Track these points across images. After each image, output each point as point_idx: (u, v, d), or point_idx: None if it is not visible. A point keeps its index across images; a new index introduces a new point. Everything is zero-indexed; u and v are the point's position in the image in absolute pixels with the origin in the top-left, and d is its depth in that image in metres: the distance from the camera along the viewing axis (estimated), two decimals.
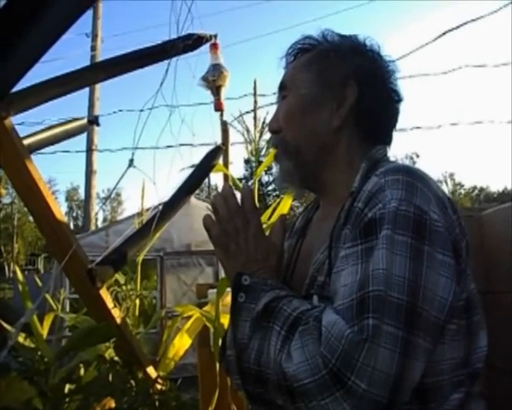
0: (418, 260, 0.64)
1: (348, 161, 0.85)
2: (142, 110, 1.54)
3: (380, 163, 0.80)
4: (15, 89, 1.54)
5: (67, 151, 6.70)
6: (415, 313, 0.62)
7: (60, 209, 1.76)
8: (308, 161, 0.86)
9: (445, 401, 0.68)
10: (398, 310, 0.61)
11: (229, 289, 2.00)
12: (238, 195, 0.84)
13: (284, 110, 0.88)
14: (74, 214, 39.19)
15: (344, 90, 0.85)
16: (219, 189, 0.89)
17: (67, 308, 5.22)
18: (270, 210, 2.07)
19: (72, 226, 35.73)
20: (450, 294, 0.65)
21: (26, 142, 1.76)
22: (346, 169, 0.84)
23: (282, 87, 0.90)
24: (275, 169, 0.92)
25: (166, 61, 1.70)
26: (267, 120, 2.35)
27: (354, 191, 0.76)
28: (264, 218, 1.92)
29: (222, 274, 5.31)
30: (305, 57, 0.90)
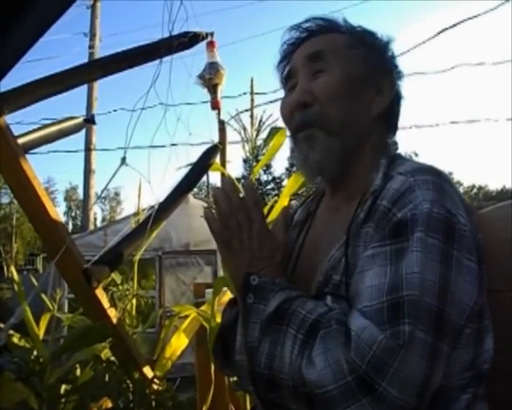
0: (447, 264, 0.63)
1: (372, 154, 0.81)
2: (134, 110, 1.53)
3: (396, 160, 0.78)
4: (8, 88, 1.53)
5: (67, 151, 6.71)
6: (443, 318, 0.61)
7: (55, 209, 1.75)
8: (349, 145, 0.80)
9: (453, 404, 0.67)
10: (429, 316, 0.60)
11: (225, 289, 2.00)
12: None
13: (328, 84, 0.80)
14: (73, 214, 39.13)
15: (385, 79, 0.83)
16: (220, 183, 0.86)
17: (66, 308, 5.21)
18: (266, 209, 2.06)
19: (71, 226, 35.70)
20: (472, 299, 0.65)
21: (20, 141, 1.75)
22: (367, 162, 0.81)
23: (318, 57, 0.82)
24: (303, 150, 0.81)
25: (163, 60, 1.69)
26: (264, 119, 2.36)
27: (376, 189, 0.73)
28: None
29: (221, 273, 5.31)
30: (346, 37, 0.84)
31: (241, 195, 0.79)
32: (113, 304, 2.32)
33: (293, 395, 0.63)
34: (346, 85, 0.80)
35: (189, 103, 2.76)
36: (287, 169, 32.09)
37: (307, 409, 0.62)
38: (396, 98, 0.85)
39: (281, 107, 0.87)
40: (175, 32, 1.73)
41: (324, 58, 0.82)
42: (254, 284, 0.70)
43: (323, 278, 0.75)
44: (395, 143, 0.86)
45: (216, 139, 2.42)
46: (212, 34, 2.15)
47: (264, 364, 0.66)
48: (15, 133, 1.74)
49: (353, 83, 0.80)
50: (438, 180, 0.68)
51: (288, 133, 0.89)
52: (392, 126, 0.86)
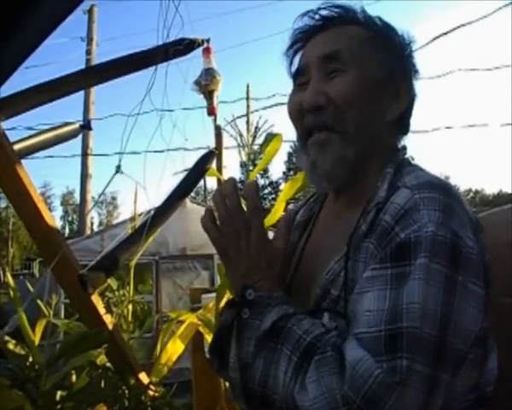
0: (451, 291, 0.60)
1: (381, 160, 0.77)
2: (129, 115, 1.54)
3: (403, 168, 0.74)
4: (4, 94, 1.54)
5: (64, 156, 6.71)
6: (443, 347, 0.59)
7: (50, 215, 1.75)
8: (362, 153, 0.75)
9: None
10: (429, 347, 0.58)
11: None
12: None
13: (344, 87, 0.74)
14: (70, 219, 39.03)
15: (403, 83, 0.78)
16: (221, 185, 0.78)
17: (62, 313, 5.19)
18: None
19: (67, 231, 35.59)
20: (477, 325, 0.63)
21: (16, 147, 1.75)
22: (375, 168, 0.77)
23: (335, 58, 0.76)
24: (312, 155, 0.76)
25: (160, 66, 1.70)
26: (260, 125, 2.37)
27: (381, 202, 0.69)
28: None
29: (218, 278, 5.31)
30: (364, 32, 0.79)
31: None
32: (109, 310, 2.32)
33: None
34: (362, 89, 0.75)
35: (186, 108, 2.77)
36: (284, 173, 32.17)
37: None
38: (411, 100, 0.80)
39: (289, 104, 0.81)
40: (172, 38, 1.74)
41: (340, 59, 0.76)
42: (250, 298, 0.68)
43: (321, 292, 0.72)
44: (404, 149, 0.80)
45: (212, 145, 2.43)
46: (208, 40, 2.16)
47: (258, 381, 0.64)
48: (12, 139, 1.75)
49: (370, 87, 0.76)
50: (445, 198, 0.65)
51: (296, 134, 0.82)
52: (404, 128, 0.82)
